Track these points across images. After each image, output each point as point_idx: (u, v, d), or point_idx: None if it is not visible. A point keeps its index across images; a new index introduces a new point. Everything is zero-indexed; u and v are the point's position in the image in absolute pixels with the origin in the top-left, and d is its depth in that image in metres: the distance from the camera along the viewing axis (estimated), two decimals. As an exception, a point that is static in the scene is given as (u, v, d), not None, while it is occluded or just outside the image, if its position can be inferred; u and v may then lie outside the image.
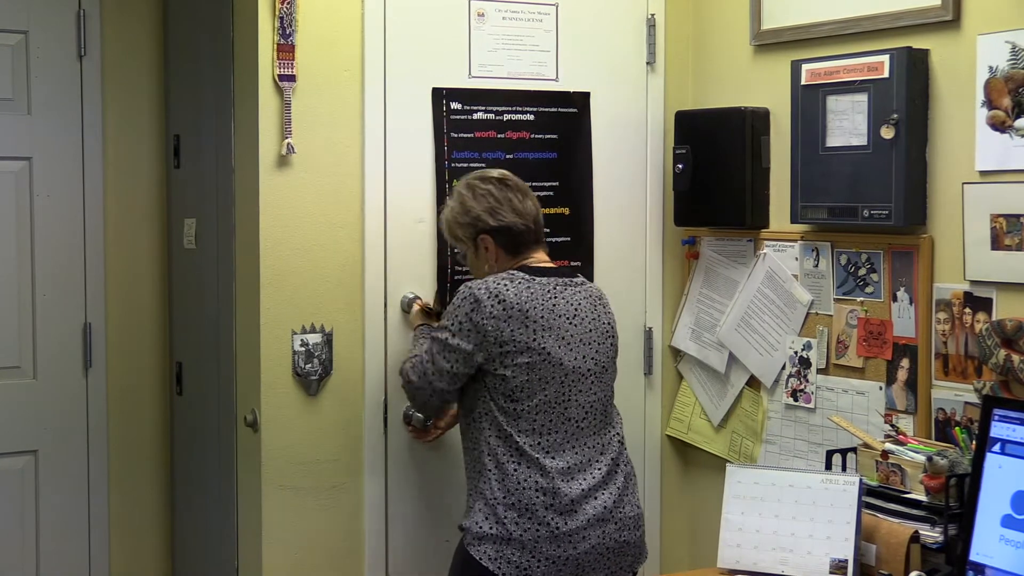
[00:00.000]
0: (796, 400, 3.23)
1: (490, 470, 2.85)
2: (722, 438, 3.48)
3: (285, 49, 3.09)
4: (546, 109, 3.41)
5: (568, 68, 3.44)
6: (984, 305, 2.77)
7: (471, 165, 3.29)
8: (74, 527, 3.70)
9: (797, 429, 3.24)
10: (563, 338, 2.87)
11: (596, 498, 2.86)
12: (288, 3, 3.07)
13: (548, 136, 3.41)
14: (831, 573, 2.62)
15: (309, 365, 3.16)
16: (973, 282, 2.80)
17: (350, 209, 3.19)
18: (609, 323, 2.99)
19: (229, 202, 3.31)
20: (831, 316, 3.14)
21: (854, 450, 2.89)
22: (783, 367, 3.27)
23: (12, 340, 3.60)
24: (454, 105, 3.29)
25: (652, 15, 3.54)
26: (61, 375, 3.68)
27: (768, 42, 3.33)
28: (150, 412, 3.84)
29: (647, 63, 3.55)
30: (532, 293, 2.86)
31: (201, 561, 3.66)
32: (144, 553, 3.85)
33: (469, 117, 3.31)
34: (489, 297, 2.82)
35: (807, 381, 3.20)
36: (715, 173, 3.36)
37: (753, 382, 3.38)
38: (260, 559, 3.14)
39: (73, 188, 3.67)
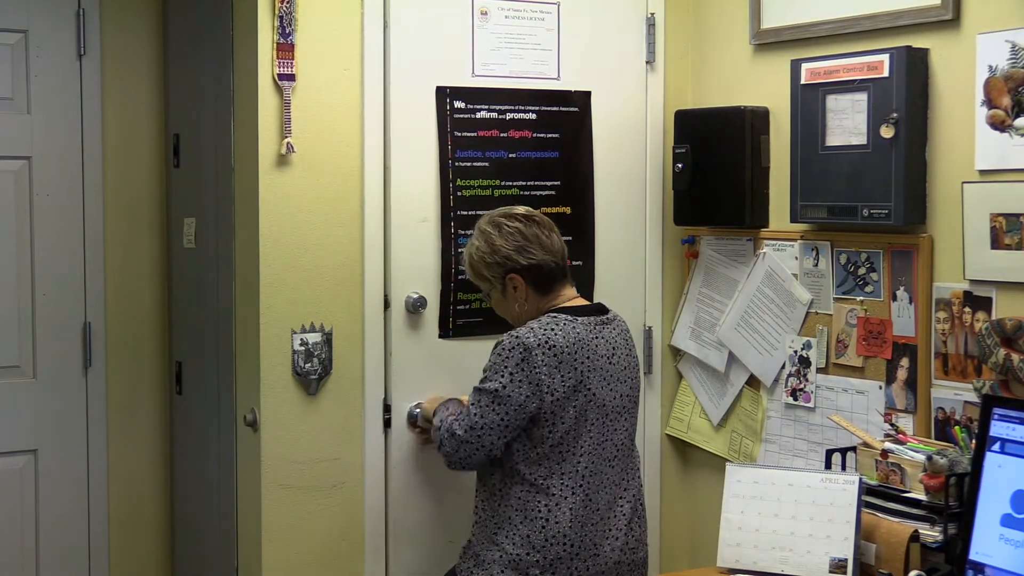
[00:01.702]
0: (796, 399, 3.23)
1: (515, 525, 2.82)
2: (722, 437, 3.48)
3: (285, 48, 3.09)
4: (548, 108, 3.41)
5: (569, 67, 3.44)
6: (984, 304, 2.77)
7: (475, 164, 3.29)
8: (74, 526, 3.70)
9: (797, 428, 3.24)
10: (604, 378, 2.86)
11: (617, 539, 2.87)
12: (288, 2, 3.07)
13: (550, 135, 3.41)
14: (831, 572, 2.62)
15: (309, 364, 3.16)
16: (973, 281, 2.80)
17: (350, 208, 3.19)
18: (635, 357, 3.01)
19: (229, 201, 3.31)
20: (831, 315, 3.14)
21: (854, 449, 2.89)
22: (783, 366, 3.27)
23: (12, 339, 3.60)
24: (458, 104, 3.28)
25: (652, 14, 3.54)
26: (61, 374, 3.67)
27: (768, 41, 3.33)
28: (150, 412, 3.84)
29: (647, 62, 3.55)
30: (578, 334, 2.83)
31: (201, 560, 3.66)
32: (144, 552, 3.84)
33: (473, 116, 3.30)
34: (539, 345, 2.78)
35: (807, 380, 3.20)
36: (715, 172, 3.36)
37: (753, 381, 3.38)
38: (260, 558, 3.14)
39: (73, 187, 3.67)
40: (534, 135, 3.38)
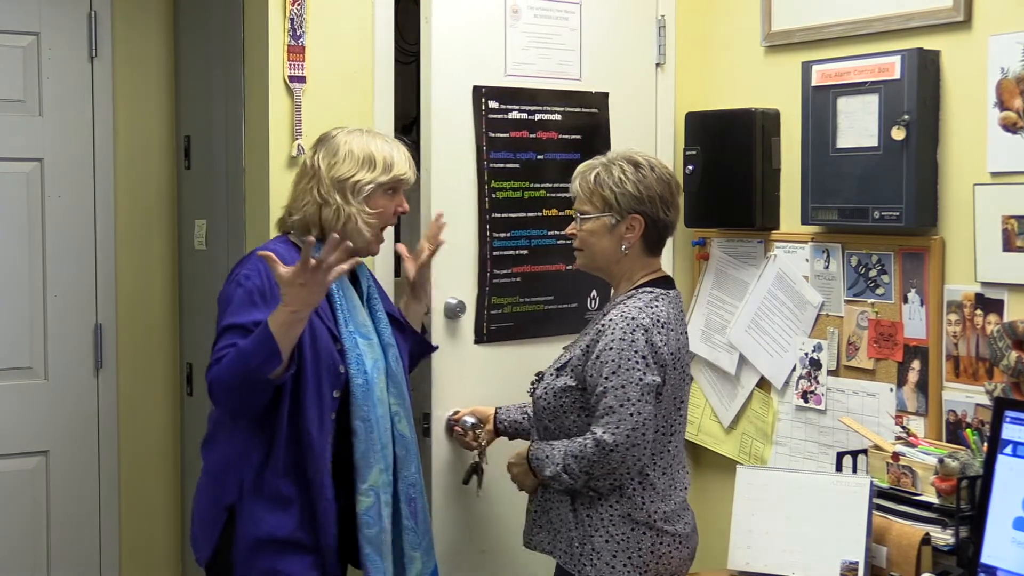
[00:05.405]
0: (806, 402, 3.22)
1: (615, 507, 2.68)
2: (732, 440, 3.47)
3: (295, 50, 3.09)
4: (572, 109, 3.36)
5: (589, 68, 3.40)
6: (995, 307, 2.76)
7: (507, 166, 3.25)
8: (85, 527, 3.71)
9: (807, 431, 3.24)
10: (686, 350, 2.77)
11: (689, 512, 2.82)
12: (299, 4, 3.08)
13: (573, 137, 3.37)
14: (842, 575, 2.62)
15: (318, 366, 3.15)
16: (984, 283, 2.79)
17: (360, 210, 3.18)
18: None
19: (239, 203, 3.32)
20: (841, 318, 3.14)
21: (865, 452, 2.88)
22: (793, 369, 3.26)
23: (23, 341, 3.61)
24: (492, 104, 3.21)
25: (662, 16, 3.54)
26: (72, 376, 3.68)
27: (779, 43, 3.32)
28: (160, 413, 3.85)
29: (656, 64, 3.55)
30: (673, 309, 2.73)
31: (211, 562, 3.66)
32: (154, 553, 3.85)
33: (505, 117, 3.26)
34: (655, 324, 2.64)
35: (817, 383, 3.19)
36: (725, 174, 3.36)
37: (763, 384, 3.37)
38: (270, 560, 3.13)
39: (84, 189, 3.68)
40: (559, 136, 3.34)
